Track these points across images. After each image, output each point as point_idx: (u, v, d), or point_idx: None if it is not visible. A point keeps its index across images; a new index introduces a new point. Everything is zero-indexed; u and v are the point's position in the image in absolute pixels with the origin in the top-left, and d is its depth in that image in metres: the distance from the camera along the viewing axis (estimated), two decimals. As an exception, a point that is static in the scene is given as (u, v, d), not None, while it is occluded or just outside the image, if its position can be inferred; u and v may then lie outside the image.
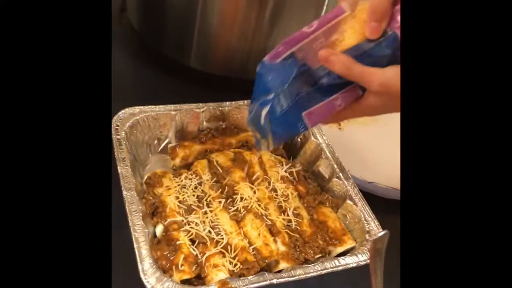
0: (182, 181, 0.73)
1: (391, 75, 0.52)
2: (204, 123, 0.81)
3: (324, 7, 0.90)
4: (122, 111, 0.75)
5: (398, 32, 0.52)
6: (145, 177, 0.72)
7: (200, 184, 0.73)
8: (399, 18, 0.51)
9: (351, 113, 0.58)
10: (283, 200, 0.72)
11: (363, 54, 0.53)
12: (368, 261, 0.61)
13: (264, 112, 0.57)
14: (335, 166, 0.76)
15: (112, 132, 0.72)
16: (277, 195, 0.73)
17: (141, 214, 0.62)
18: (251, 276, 0.60)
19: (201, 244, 0.64)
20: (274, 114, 0.57)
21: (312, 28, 0.53)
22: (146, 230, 0.61)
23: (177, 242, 0.63)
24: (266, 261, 0.65)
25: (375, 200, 0.76)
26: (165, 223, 0.66)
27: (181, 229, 0.65)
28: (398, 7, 0.52)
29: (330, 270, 0.62)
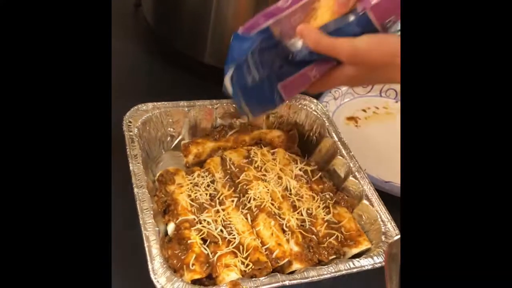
0: (194, 178, 0.72)
1: (361, 43, 0.53)
2: (218, 120, 0.80)
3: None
4: (135, 107, 0.75)
5: (371, 13, 0.53)
6: (157, 175, 0.72)
7: (212, 182, 0.72)
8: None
9: (328, 83, 0.59)
10: (297, 199, 0.71)
11: (335, 31, 0.54)
12: (384, 263, 0.59)
13: (226, 78, 0.59)
14: (351, 164, 0.75)
15: (124, 128, 0.71)
16: (291, 194, 0.72)
17: (152, 212, 0.62)
18: (263, 277, 0.59)
19: (212, 243, 0.63)
20: (245, 86, 0.58)
21: (288, 3, 0.56)
22: (157, 228, 0.60)
23: (189, 241, 0.62)
24: (279, 261, 0.63)
25: (392, 200, 0.73)
26: (177, 221, 0.65)
27: (193, 228, 0.64)
28: None
29: (344, 272, 0.61)
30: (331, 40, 0.54)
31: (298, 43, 0.56)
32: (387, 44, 0.52)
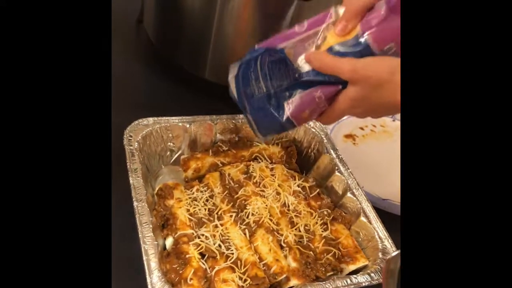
0: (193, 193, 0.72)
1: (365, 61, 0.54)
2: (217, 135, 0.81)
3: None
4: (136, 121, 0.75)
5: (370, 38, 0.55)
6: (157, 189, 0.72)
7: (211, 197, 0.73)
8: (374, 22, 0.55)
9: (335, 109, 0.58)
10: (295, 215, 0.71)
11: (337, 55, 0.57)
12: (381, 280, 0.59)
13: (230, 76, 0.60)
14: (349, 181, 0.75)
15: (125, 142, 0.72)
16: (289, 210, 0.72)
17: (151, 226, 0.62)
18: (261, 293, 0.59)
19: (210, 258, 0.64)
20: (252, 96, 0.59)
21: (303, 29, 0.59)
22: (156, 242, 0.61)
23: (187, 256, 0.62)
24: (276, 277, 0.63)
25: (389, 217, 0.74)
26: (175, 235, 0.65)
27: (191, 242, 0.65)
28: (374, 14, 0.56)
29: (341, 288, 0.61)
30: (334, 58, 0.56)
31: (306, 65, 0.58)
32: (385, 61, 0.54)
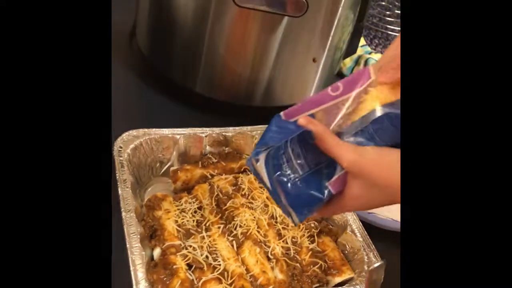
0: (182, 204, 0.73)
1: (369, 154, 0.46)
2: (207, 147, 0.82)
3: (330, 38, 0.92)
4: (126, 133, 0.76)
5: None
6: (146, 200, 0.73)
7: (200, 208, 0.73)
8: None
9: (339, 204, 0.51)
10: (283, 227, 0.72)
11: (389, 116, 0.49)
12: (366, 292, 0.60)
13: (260, 163, 0.50)
14: (336, 195, 0.76)
15: (115, 153, 0.72)
16: (276, 222, 0.73)
17: (139, 236, 0.62)
18: (247, 304, 0.59)
19: (198, 269, 0.64)
20: (287, 183, 0.51)
21: (338, 91, 0.51)
22: (143, 252, 0.61)
23: (174, 266, 0.63)
24: (262, 289, 0.64)
25: (374, 231, 0.75)
26: (163, 246, 0.65)
27: (179, 253, 0.65)
28: None
29: (327, 300, 0.62)
30: (336, 141, 0.47)
31: (343, 131, 0.51)
32: (393, 154, 0.45)
